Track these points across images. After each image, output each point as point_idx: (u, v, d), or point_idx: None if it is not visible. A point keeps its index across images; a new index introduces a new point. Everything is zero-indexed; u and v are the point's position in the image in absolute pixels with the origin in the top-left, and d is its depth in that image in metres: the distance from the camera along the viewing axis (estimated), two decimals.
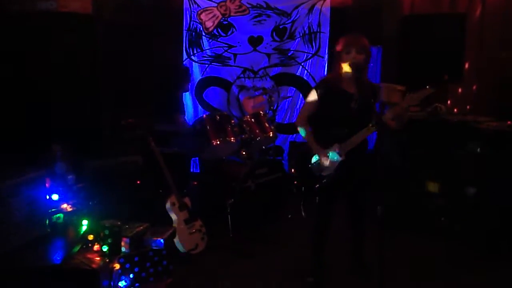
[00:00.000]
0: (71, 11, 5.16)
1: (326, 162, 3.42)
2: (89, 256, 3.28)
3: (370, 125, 3.28)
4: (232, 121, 4.82)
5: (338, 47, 3.44)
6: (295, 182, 3.70)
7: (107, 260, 3.26)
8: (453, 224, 4.62)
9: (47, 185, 3.61)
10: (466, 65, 5.56)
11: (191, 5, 6.23)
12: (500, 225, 4.34)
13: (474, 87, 5.72)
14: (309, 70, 6.32)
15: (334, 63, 3.52)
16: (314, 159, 3.50)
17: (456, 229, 4.57)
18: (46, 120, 4.67)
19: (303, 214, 4.92)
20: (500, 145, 4.40)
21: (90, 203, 3.82)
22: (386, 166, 3.15)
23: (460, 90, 5.77)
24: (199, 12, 6.25)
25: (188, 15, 6.28)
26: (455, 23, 5.35)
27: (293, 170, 3.63)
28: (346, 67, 3.36)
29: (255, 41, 6.28)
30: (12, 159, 3.84)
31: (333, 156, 3.40)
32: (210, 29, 6.29)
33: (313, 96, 3.52)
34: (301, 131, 3.58)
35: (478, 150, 4.48)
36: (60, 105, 4.80)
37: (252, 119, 4.93)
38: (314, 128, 3.59)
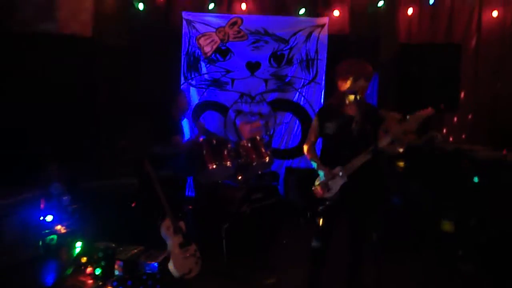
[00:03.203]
0: (72, 33, 5.20)
1: (332, 184, 3.43)
2: (82, 279, 3.25)
3: (368, 150, 3.30)
4: (229, 145, 4.81)
5: (343, 73, 3.48)
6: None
7: (100, 283, 3.23)
8: (451, 250, 4.61)
9: (41, 206, 3.59)
10: (462, 94, 5.62)
11: (190, 30, 6.29)
12: (499, 251, 4.34)
13: (470, 116, 5.77)
14: (306, 96, 6.36)
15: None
16: (318, 181, 3.50)
17: (454, 254, 4.56)
18: (43, 140, 4.66)
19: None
20: (496, 174, 4.42)
21: (85, 224, 3.78)
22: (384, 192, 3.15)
23: (455, 119, 5.82)
24: (198, 37, 6.31)
25: (187, 39, 6.33)
26: (450, 53, 5.45)
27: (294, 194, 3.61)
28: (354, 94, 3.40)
29: (252, 67, 6.32)
30: (7, 179, 3.82)
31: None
32: (209, 54, 6.33)
33: (315, 122, 3.61)
34: (309, 158, 3.63)
35: (474, 178, 4.51)
36: (57, 126, 4.80)
37: (249, 144, 4.92)
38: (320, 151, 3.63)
